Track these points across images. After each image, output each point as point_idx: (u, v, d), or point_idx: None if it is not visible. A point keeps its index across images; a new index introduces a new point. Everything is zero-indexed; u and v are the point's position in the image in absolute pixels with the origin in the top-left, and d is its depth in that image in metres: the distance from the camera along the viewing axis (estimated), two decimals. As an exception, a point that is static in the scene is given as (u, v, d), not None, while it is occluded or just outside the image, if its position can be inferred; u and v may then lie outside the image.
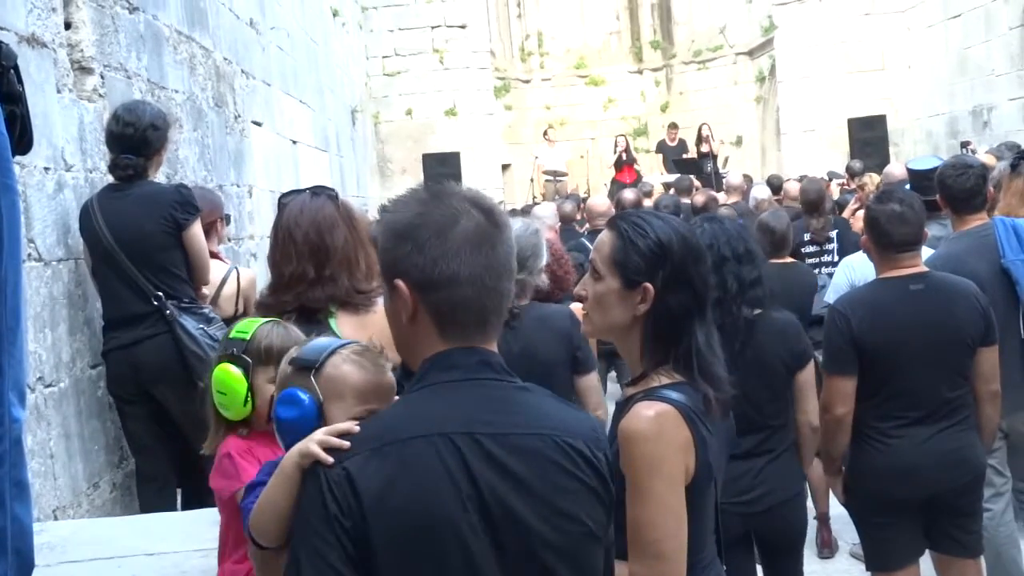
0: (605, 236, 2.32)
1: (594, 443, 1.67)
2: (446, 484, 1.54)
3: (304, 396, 1.81)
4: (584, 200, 12.29)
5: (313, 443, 1.62)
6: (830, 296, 5.38)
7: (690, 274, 2.25)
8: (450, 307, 1.65)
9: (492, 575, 1.56)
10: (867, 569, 3.92)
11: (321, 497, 1.54)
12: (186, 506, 4.74)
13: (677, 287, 2.24)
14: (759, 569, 3.69)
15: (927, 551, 3.87)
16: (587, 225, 8.61)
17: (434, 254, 1.63)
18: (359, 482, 1.53)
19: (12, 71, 2.02)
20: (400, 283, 1.66)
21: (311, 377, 1.82)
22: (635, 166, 17.93)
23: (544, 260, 3.74)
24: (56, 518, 4.13)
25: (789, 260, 6.03)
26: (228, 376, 2.34)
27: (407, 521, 1.52)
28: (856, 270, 5.15)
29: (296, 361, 1.87)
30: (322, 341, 1.92)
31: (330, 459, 1.58)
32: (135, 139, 4.58)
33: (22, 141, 2.04)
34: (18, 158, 3.33)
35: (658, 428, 2.13)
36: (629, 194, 9.60)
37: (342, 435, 1.62)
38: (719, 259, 3.31)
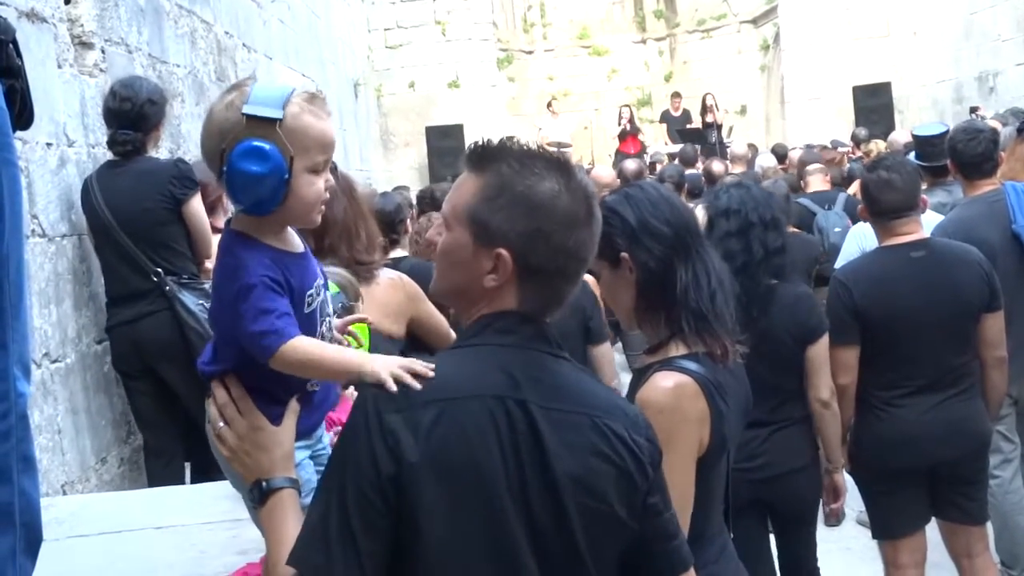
0: None
1: (634, 428, 1.67)
2: (495, 447, 1.55)
3: (268, 147, 1.71)
4: (588, 171, 12.23)
5: (386, 372, 1.59)
6: (840, 264, 5.37)
7: (650, 225, 2.28)
8: (541, 292, 1.66)
9: (524, 540, 1.56)
10: (873, 537, 3.93)
11: (370, 443, 1.53)
12: (195, 480, 4.76)
13: (644, 242, 2.28)
14: (772, 538, 3.70)
15: (933, 519, 3.88)
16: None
17: (557, 247, 1.63)
18: (414, 435, 1.52)
19: (11, 45, 2.00)
20: (506, 255, 1.62)
21: (277, 129, 1.71)
22: (639, 136, 17.85)
23: None
24: (64, 493, 4.15)
25: (792, 229, 6.01)
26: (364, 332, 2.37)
27: (457, 479, 1.53)
28: (867, 238, 5.12)
29: (255, 112, 1.72)
30: (268, 89, 1.76)
31: (394, 387, 1.56)
32: (133, 114, 4.56)
33: (22, 116, 2.03)
34: (20, 134, 3.32)
35: (675, 400, 2.15)
36: (631, 164, 9.55)
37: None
38: (746, 224, 3.31)
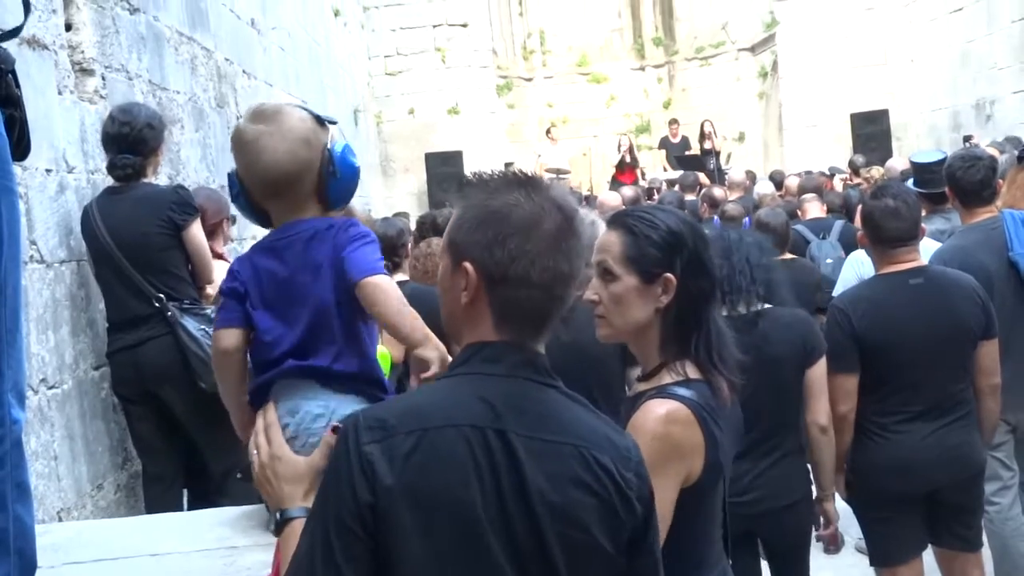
0: (610, 236, 2.29)
1: (622, 462, 1.64)
2: (472, 475, 1.55)
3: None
4: (586, 198, 12.27)
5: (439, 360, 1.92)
6: (838, 291, 5.37)
7: (704, 258, 2.26)
8: (513, 306, 1.64)
9: (506, 567, 1.56)
10: (871, 564, 3.91)
11: (350, 473, 1.54)
12: (193, 507, 4.74)
13: (695, 273, 2.24)
14: (767, 568, 3.69)
15: (930, 545, 3.87)
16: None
17: (514, 252, 1.61)
18: (389, 463, 1.54)
19: (10, 75, 2.02)
20: (469, 267, 1.64)
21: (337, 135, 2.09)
22: (637, 168, 17.81)
23: None
24: (60, 520, 4.14)
25: (789, 256, 6.03)
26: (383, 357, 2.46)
27: (433, 508, 1.54)
28: (864, 265, 5.13)
29: (326, 120, 2.08)
30: (304, 108, 2.12)
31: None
32: (131, 139, 4.57)
33: (20, 145, 2.04)
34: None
35: (665, 428, 2.13)
36: (628, 191, 9.64)
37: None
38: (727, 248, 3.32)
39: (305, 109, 2.05)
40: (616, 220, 2.34)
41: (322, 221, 2.04)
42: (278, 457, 1.91)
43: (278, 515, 1.88)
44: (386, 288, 1.98)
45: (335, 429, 1.91)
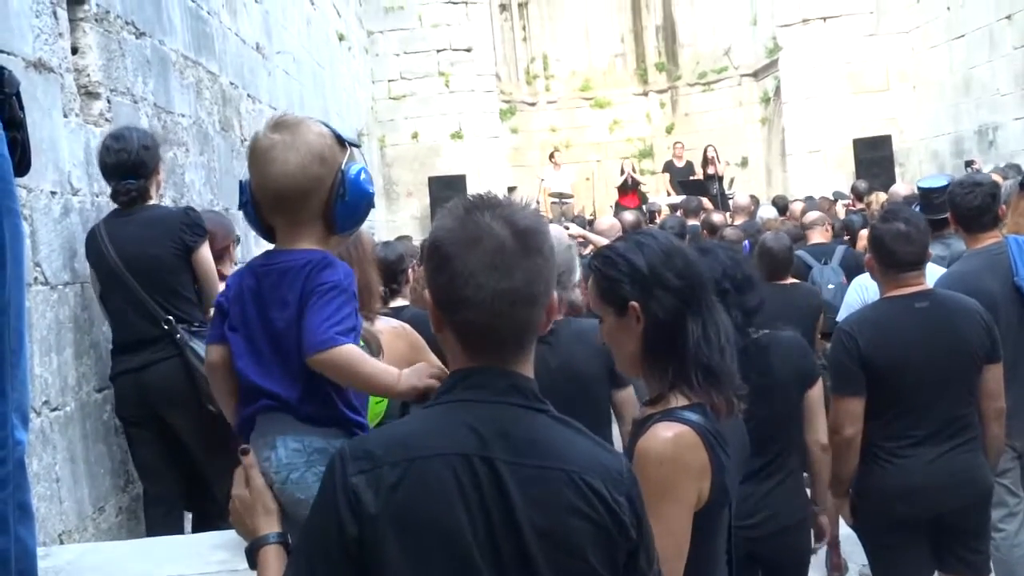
0: (589, 281, 2.39)
1: (614, 484, 1.62)
2: (460, 505, 1.55)
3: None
4: (591, 222, 12.28)
5: (421, 384, 1.85)
6: (842, 315, 5.36)
7: (662, 276, 2.26)
8: (463, 328, 1.65)
9: None
10: (876, 591, 3.89)
11: (336, 504, 1.56)
12: (196, 530, 4.73)
13: (655, 292, 2.26)
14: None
15: (936, 572, 3.84)
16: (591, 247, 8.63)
17: (450, 275, 1.63)
18: (376, 494, 1.55)
19: (15, 98, 2.04)
20: (427, 295, 1.69)
21: (358, 156, 1.99)
22: (639, 190, 17.85)
23: (578, 275, 3.72)
24: (62, 542, 4.12)
25: (792, 281, 6.02)
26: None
27: (419, 538, 1.54)
28: (869, 290, 5.13)
29: (348, 141, 1.98)
30: (327, 125, 2.00)
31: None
32: (130, 163, 4.57)
33: (20, 165, 2.07)
34: (24, 181, 3.34)
35: (674, 451, 2.13)
36: (629, 215, 9.64)
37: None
38: (719, 292, 3.29)
39: (327, 126, 1.98)
40: (587, 265, 2.43)
41: (302, 256, 1.95)
42: (236, 495, 1.95)
43: (249, 549, 1.89)
44: (339, 364, 1.87)
45: (244, 451, 1.94)
